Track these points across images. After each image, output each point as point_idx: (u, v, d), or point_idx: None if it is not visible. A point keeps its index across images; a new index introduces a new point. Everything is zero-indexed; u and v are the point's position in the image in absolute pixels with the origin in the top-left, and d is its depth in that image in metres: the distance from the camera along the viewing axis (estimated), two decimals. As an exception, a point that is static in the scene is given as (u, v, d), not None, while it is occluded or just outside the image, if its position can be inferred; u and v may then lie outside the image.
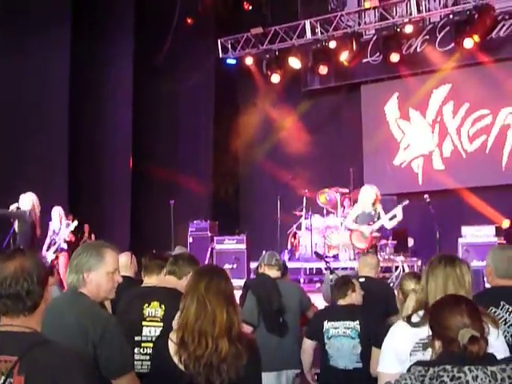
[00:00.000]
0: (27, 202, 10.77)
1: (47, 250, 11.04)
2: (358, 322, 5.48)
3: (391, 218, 10.81)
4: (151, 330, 4.43)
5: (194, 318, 3.23)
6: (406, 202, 10.88)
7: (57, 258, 11.02)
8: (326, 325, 5.56)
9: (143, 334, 4.45)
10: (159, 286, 4.67)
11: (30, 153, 13.85)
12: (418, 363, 2.79)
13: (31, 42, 13.74)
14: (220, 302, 3.26)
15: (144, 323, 4.48)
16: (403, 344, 3.50)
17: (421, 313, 3.52)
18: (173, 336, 3.32)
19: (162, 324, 4.39)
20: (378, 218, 10.77)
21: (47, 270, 2.75)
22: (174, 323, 3.50)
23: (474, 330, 2.69)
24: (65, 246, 11.48)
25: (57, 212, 11.60)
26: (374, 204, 10.83)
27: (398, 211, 10.81)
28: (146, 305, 4.51)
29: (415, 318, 3.53)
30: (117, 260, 3.70)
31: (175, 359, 3.24)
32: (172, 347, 3.29)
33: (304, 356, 5.88)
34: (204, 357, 3.17)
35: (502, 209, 13.55)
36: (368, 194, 10.94)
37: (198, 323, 3.22)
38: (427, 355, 3.10)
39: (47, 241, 11.22)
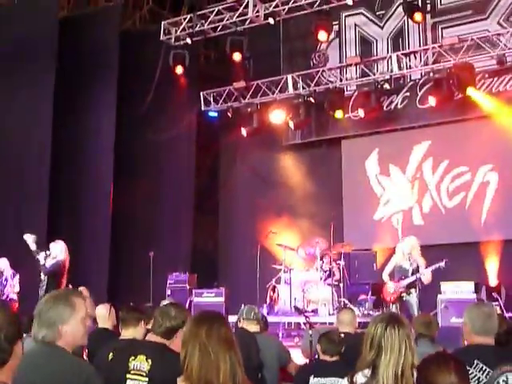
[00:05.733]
0: (59, 250, 10.75)
1: None
2: (346, 379, 5.38)
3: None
4: None
5: (199, 367, 3.16)
6: (442, 264, 10.97)
7: None
8: (312, 380, 5.37)
9: None
10: (147, 340, 4.60)
11: (10, 201, 13.77)
12: None
13: (14, 92, 13.76)
14: (222, 348, 3.20)
15: (128, 376, 4.41)
16: None
17: (367, 372, 3.44)
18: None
19: (146, 379, 4.32)
20: (415, 272, 11.00)
21: (19, 326, 2.71)
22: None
23: None
24: (14, 296, 11.40)
25: (3, 263, 11.54)
26: (410, 255, 11.08)
27: (428, 272, 11.04)
28: (132, 358, 4.44)
29: (360, 378, 3.48)
30: (84, 304, 3.74)
31: None
32: None
33: None
34: None
35: (481, 265, 13.57)
36: (401, 247, 11.31)
37: (202, 372, 3.15)
38: None
39: None
